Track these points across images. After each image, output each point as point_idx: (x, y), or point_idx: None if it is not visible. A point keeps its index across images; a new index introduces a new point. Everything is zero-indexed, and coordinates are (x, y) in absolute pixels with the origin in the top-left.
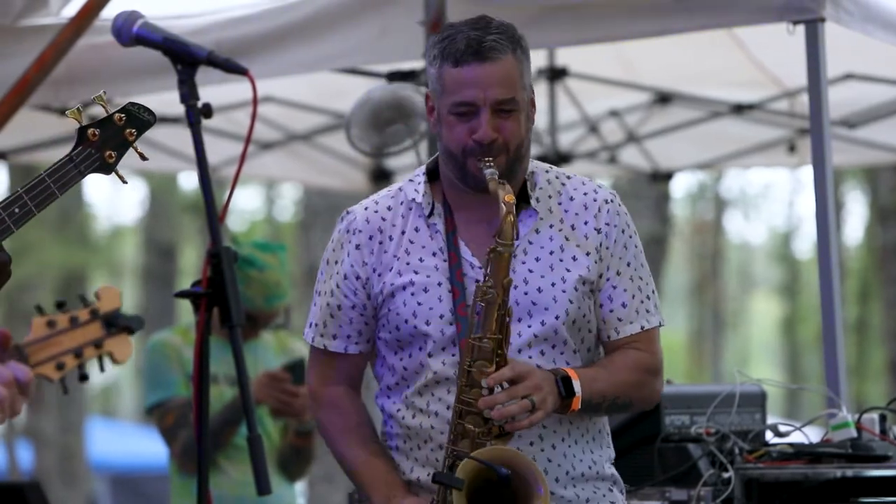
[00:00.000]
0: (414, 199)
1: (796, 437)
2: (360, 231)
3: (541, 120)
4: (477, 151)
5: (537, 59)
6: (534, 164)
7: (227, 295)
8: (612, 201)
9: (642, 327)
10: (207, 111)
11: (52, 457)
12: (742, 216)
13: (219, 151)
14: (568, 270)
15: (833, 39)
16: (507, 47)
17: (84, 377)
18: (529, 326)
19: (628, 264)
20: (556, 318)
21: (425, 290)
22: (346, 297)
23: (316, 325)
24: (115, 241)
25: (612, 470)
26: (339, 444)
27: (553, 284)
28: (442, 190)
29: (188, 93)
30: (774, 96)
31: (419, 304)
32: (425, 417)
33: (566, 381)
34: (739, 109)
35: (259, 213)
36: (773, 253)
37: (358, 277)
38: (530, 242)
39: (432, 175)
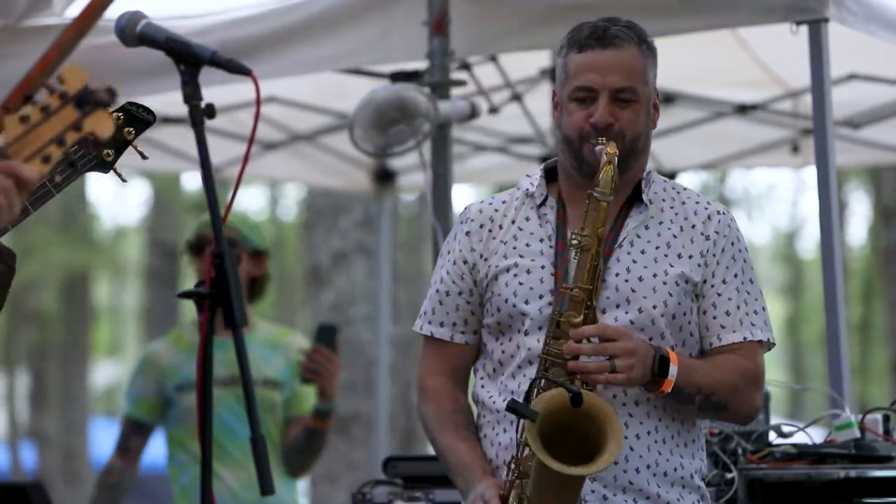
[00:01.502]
0: (528, 191)
1: (800, 438)
2: (472, 220)
3: (544, 120)
4: (593, 135)
5: (539, 59)
6: (654, 174)
7: (230, 295)
8: (723, 213)
9: (745, 338)
10: (211, 111)
11: (56, 457)
12: (745, 216)
13: (222, 152)
14: (671, 266)
15: (836, 40)
16: (632, 38)
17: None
18: (626, 313)
19: (735, 276)
20: (654, 307)
21: (528, 272)
22: (454, 283)
23: (425, 313)
24: (118, 241)
25: (701, 483)
26: (433, 432)
27: (654, 276)
28: (557, 188)
29: (191, 93)
30: (778, 97)
31: (520, 283)
32: (509, 394)
33: (663, 360)
34: (743, 110)
35: (262, 214)
36: (776, 253)
37: (466, 262)
38: (638, 236)
39: (550, 175)
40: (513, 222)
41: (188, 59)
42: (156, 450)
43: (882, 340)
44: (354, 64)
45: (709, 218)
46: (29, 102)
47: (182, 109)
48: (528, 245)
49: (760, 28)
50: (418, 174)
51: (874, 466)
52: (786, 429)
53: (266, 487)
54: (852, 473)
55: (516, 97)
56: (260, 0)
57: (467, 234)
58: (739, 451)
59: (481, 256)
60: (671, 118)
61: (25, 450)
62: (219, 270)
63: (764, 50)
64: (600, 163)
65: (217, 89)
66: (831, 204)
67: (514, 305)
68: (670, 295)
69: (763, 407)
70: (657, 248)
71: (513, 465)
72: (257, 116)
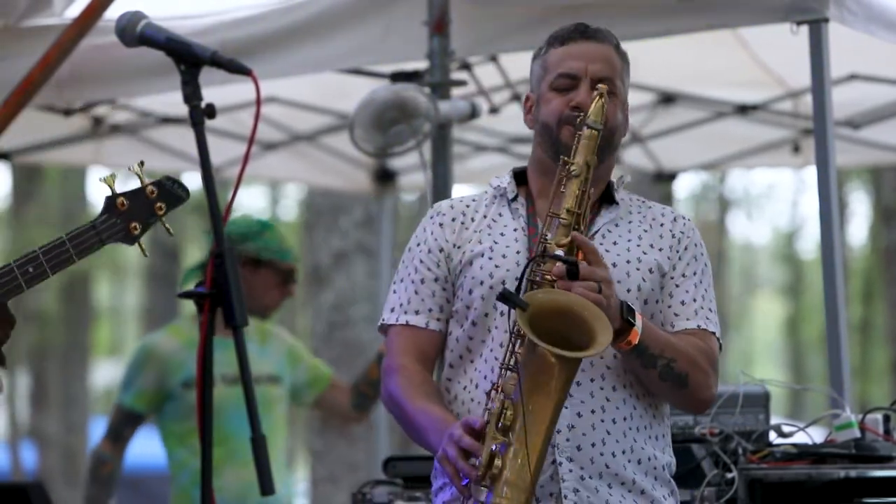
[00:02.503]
0: (499, 187)
1: (800, 438)
2: (443, 214)
3: None
4: (573, 119)
5: None
6: (623, 179)
7: (230, 295)
8: (687, 219)
9: (699, 326)
10: (211, 112)
11: (56, 457)
12: (746, 216)
13: (222, 152)
14: (644, 254)
15: (837, 40)
16: (610, 39)
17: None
18: None
19: (694, 273)
20: (628, 291)
21: (504, 256)
22: (429, 270)
23: (401, 305)
24: None
25: (672, 479)
26: (400, 401)
27: (628, 262)
28: (526, 190)
29: (192, 93)
30: (778, 97)
31: (496, 266)
32: (489, 384)
33: (630, 308)
34: (743, 110)
35: (263, 214)
36: (776, 253)
37: (441, 250)
38: (609, 231)
39: (519, 179)
40: (485, 217)
41: (188, 59)
42: (154, 449)
43: (882, 340)
44: (355, 64)
45: (674, 220)
46: None
47: (182, 109)
48: (502, 234)
49: (761, 28)
50: (418, 174)
51: (874, 466)
52: (786, 429)
53: (266, 487)
54: (852, 473)
55: (516, 97)
56: (260, 0)
57: (440, 225)
58: (739, 450)
59: (455, 245)
60: (671, 118)
61: (26, 450)
62: (219, 270)
63: (764, 50)
64: (591, 96)
65: (217, 89)
66: (832, 204)
67: (491, 287)
68: (643, 280)
69: (763, 407)
70: (629, 240)
71: (493, 393)
72: (257, 116)
